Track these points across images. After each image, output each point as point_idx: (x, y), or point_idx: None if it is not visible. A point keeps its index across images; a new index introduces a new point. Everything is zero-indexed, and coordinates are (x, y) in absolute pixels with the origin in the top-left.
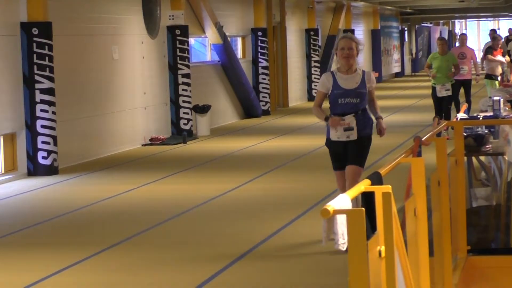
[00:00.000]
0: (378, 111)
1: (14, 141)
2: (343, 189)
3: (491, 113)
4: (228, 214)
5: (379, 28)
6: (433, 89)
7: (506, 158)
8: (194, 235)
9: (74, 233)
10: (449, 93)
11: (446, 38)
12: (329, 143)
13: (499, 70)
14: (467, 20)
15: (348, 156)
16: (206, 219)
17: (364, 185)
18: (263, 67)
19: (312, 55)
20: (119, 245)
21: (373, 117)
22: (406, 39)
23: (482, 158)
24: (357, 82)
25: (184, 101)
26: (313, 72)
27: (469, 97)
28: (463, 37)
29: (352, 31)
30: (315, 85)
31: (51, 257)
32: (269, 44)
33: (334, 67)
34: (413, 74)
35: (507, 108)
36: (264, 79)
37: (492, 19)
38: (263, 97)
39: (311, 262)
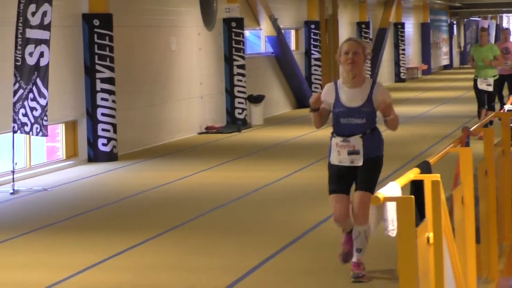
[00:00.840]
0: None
1: (76, 128)
2: (339, 217)
3: None
4: (280, 201)
5: (429, 21)
6: (475, 81)
7: None
8: (247, 221)
9: (132, 217)
10: (490, 88)
11: (494, 32)
12: (330, 166)
13: None
14: None
15: (355, 180)
16: (259, 206)
17: (413, 174)
18: (315, 59)
19: None
20: (175, 229)
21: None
22: (455, 33)
23: None
24: (362, 99)
25: (239, 91)
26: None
27: None
28: (506, 31)
29: (403, 25)
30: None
31: (110, 240)
32: (322, 37)
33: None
34: (461, 66)
35: None
36: (317, 70)
37: None
38: (315, 88)
39: None
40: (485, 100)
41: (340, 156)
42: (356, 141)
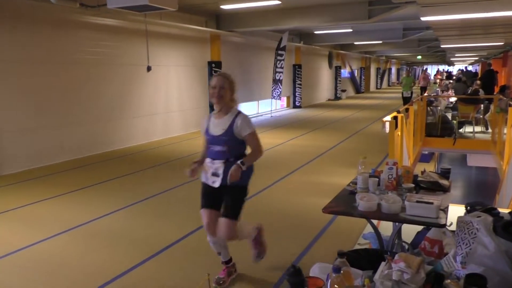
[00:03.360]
0: (247, 159)
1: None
2: (209, 228)
3: (435, 93)
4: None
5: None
6: (402, 93)
7: (439, 108)
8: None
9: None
10: (409, 95)
11: (418, 71)
12: (201, 183)
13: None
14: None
15: (221, 204)
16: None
17: (394, 113)
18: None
19: None
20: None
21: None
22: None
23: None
24: (223, 128)
25: (337, 88)
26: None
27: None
28: (425, 70)
29: (390, 69)
30: None
31: (295, 131)
32: (365, 72)
33: None
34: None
35: (440, 92)
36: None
37: (435, 65)
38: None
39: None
40: (407, 100)
41: (206, 175)
42: (219, 165)
